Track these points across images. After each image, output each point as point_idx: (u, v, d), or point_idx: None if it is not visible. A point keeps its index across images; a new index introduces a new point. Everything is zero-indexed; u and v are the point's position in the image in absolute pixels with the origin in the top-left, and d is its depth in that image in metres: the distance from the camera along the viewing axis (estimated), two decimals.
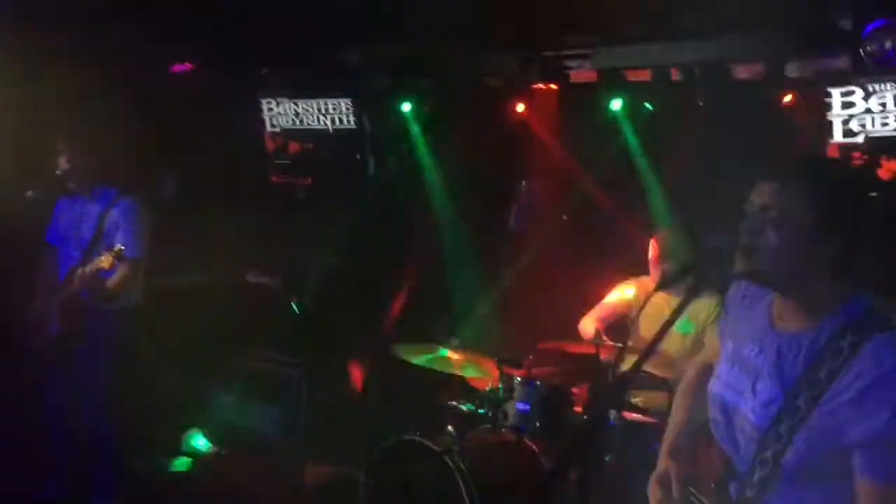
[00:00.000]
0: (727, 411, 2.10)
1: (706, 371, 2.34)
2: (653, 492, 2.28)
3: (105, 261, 4.25)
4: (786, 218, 1.92)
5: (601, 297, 4.85)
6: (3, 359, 4.75)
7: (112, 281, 4.44)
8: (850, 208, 1.98)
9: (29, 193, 4.66)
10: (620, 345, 4.28)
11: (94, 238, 4.51)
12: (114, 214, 4.52)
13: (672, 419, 2.41)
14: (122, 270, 4.46)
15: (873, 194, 4.05)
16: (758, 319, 2.12)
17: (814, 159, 2.29)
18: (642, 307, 4.50)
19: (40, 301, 4.65)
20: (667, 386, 3.98)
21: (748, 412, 2.03)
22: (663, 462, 2.30)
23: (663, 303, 4.30)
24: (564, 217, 6.32)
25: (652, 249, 4.53)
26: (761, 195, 1.97)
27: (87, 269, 4.33)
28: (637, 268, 4.71)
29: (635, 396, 4.24)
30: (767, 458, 1.96)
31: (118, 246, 4.28)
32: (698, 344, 4.15)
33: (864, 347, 1.85)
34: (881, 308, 1.95)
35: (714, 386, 2.17)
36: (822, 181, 1.97)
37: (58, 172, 4.55)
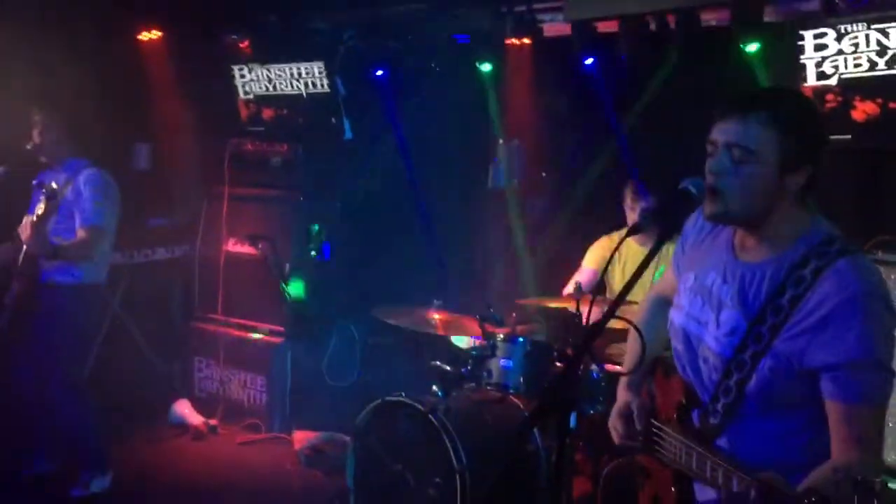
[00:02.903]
0: (690, 342, 2.12)
1: (661, 303, 2.36)
2: (614, 426, 2.30)
3: (40, 206, 4.19)
4: (752, 154, 1.91)
5: (583, 254, 4.86)
6: None
7: (63, 243, 4.37)
8: (814, 136, 1.99)
9: (0, 170, 4.61)
10: (595, 296, 4.29)
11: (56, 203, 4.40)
12: (77, 182, 4.46)
13: (628, 351, 2.42)
14: (78, 236, 4.42)
15: (847, 136, 4.06)
16: (720, 250, 2.12)
17: (773, 91, 2.27)
18: (611, 257, 4.53)
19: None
20: None
21: (711, 341, 2.05)
22: (622, 396, 2.32)
23: (639, 253, 4.31)
24: (543, 174, 6.31)
25: (627, 198, 4.54)
26: (724, 134, 1.95)
27: (26, 220, 4.25)
28: (620, 224, 4.71)
29: (615, 349, 4.27)
30: (731, 386, 1.98)
31: (52, 184, 4.21)
32: None
33: (826, 273, 1.87)
34: (838, 235, 1.96)
35: (676, 317, 2.18)
36: (785, 111, 1.95)
37: (28, 147, 4.49)
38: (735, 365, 1.97)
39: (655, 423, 2.20)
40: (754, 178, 1.92)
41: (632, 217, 4.53)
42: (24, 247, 4.33)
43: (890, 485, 3.52)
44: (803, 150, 1.94)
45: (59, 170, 4.56)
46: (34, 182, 4.53)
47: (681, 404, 2.14)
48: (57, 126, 4.52)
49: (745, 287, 2.01)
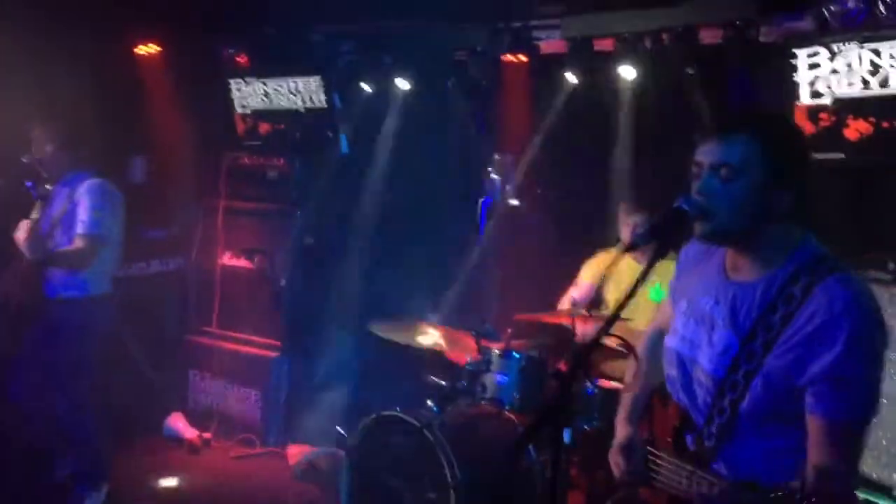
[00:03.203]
0: (684, 365, 2.13)
1: (659, 337, 2.37)
2: (615, 461, 2.30)
3: (35, 210, 4.23)
4: (738, 174, 1.94)
5: (579, 269, 4.87)
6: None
7: (58, 250, 4.39)
8: (798, 157, 2.03)
9: None
10: (590, 313, 4.29)
11: (59, 215, 4.46)
12: (78, 193, 4.48)
13: (627, 386, 2.43)
14: (74, 244, 4.42)
15: (840, 155, 4.09)
16: (711, 272, 2.15)
17: (756, 112, 2.31)
18: (606, 273, 4.54)
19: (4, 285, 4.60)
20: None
21: (705, 363, 2.06)
22: (622, 430, 2.34)
23: (635, 269, 4.32)
24: (539, 190, 6.33)
25: (621, 215, 4.54)
26: (709, 154, 1.98)
27: (21, 223, 4.28)
28: (617, 240, 4.71)
29: (610, 365, 4.27)
30: (725, 407, 1.99)
31: (46, 185, 4.26)
32: None
33: (815, 290, 1.89)
34: (828, 253, 1.99)
35: (670, 342, 2.19)
36: (769, 132, 2.00)
37: (24, 160, 4.51)
38: (728, 385, 1.98)
39: (653, 450, 2.22)
40: (743, 195, 1.95)
41: (625, 234, 4.54)
42: (25, 254, 4.32)
43: (880, 501, 3.53)
44: (788, 168, 1.98)
45: (61, 184, 4.57)
46: (28, 184, 4.53)
47: (675, 429, 2.15)
48: (56, 140, 4.53)
49: (736, 306, 2.03)
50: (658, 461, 2.17)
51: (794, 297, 1.91)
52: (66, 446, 4.68)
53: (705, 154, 1.99)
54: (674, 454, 2.13)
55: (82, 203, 4.45)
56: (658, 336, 2.40)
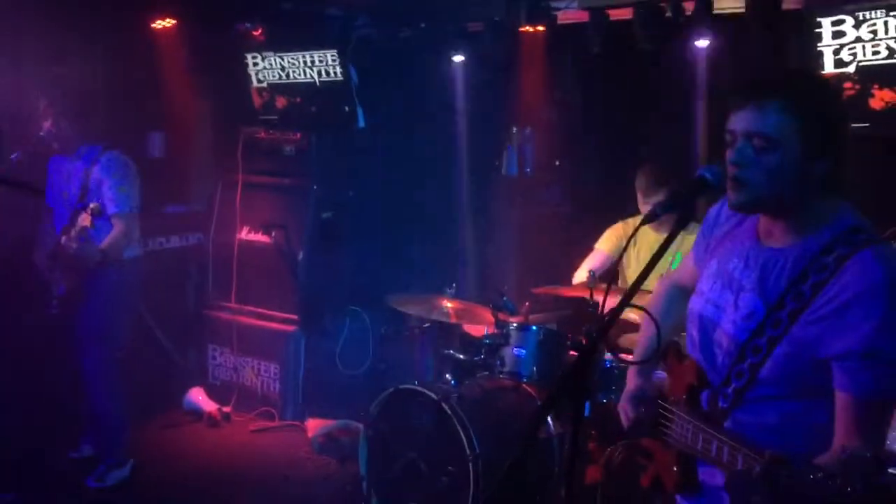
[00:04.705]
0: (705, 327, 2.09)
1: (675, 291, 2.34)
2: (624, 410, 2.28)
3: (85, 219, 4.22)
4: (774, 144, 1.86)
5: (596, 240, 4.84)
6: (22, 324, 4.81)
7: (105, 242, 4.42)
8: (836, 122, 1.94)
9: (13, 156, 4.64)
10: (609, 285, 4.26)
11: (81, 196, 4.49)
12: (96, 171, 4.49)
13: (641, 336, 2.39)
14: (115, 228, 4.46)
15: (865, 124, 4.02)
16: (744, 237, 2.09)
17: (788, 75, 2.17)
18: (626, 244, 4.51)
19: (42, 263, 4.66)
20: None
21: (728, 325, 2.02)
22: (633, 381, 2.30)
23: (654, 241, 4.28)
24: (557, 163, 6.29)
25: (639, 183, 4.49)
26: (742, 123, 1.90)
27: (72, 232, 4.28)
28: (634, 212, 4.68)
29: (629, 338, 4.25)
30: (744, 370, 1.96)
31: (94, 203, 4.26)
32: None
33: (849, 262, 1.83)
34: (865, 225, 1.92)
35: (695, 303, 2.15)
36: (802, 96, 1.90)
37: (41, 134, 4.51)
38: (750, 349, 1.95)
39: (664, 403, 2.18)
40: (778, 167, 1.87)
41: (645, 205, 4.49)
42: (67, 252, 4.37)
43: None
44: (826, 134, 1.88)
45: (73, 158, 4.57)
46: (50, 167, 4.53)
47: (691, 386, 2.10)
48: (66, 114, 4.54)
49: (766, 272, 1.97)
50: (669, 415, 2.13)
51: (827, 267, 1.85)
52: (91, 418, 4.73)
53: (738, 122, 1.90)
54: (686, 410, 2.09)
55: (105, 182, 4.47)
56: (676, 291, 2.36)
